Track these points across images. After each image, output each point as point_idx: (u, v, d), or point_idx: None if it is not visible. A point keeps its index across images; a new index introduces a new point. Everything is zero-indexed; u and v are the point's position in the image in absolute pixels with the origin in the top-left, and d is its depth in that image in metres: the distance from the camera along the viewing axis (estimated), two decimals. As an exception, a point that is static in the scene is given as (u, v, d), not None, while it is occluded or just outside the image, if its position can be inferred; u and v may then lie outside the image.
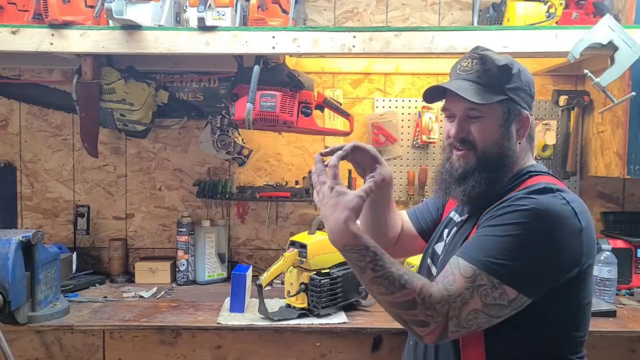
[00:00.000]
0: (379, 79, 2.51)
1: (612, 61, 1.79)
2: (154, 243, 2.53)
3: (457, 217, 1.34)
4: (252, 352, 1.81)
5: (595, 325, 1.73)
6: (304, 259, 1.89)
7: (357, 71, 2.48)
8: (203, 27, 1.85)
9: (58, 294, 1.95)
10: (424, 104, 2.44)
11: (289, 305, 1.96)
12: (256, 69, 1.97)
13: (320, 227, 1.98)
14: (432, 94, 1.30)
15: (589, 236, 1.13)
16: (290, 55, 2.11)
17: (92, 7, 1.92)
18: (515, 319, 1.11)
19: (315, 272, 1.91)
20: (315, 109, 2.16)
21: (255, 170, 2.52)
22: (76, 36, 1.86)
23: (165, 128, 2.45)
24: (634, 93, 1.88)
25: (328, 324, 1.82)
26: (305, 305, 1.90)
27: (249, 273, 2.02)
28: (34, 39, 1.86)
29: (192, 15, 1.90)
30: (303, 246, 1.90)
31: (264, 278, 1.88)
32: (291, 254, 1.91)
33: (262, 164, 2.52)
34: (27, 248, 1.78)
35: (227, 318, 1.87)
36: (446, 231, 1.35)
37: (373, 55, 1.97)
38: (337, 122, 2.39)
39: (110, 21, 1.86)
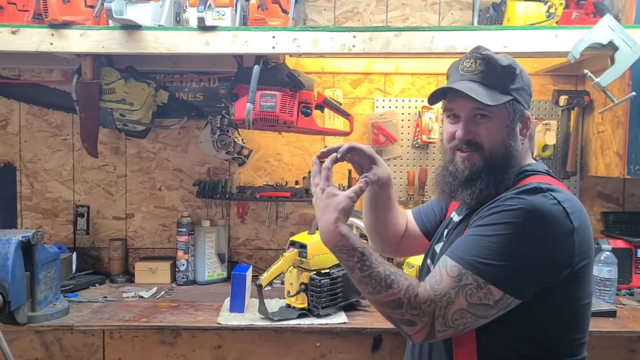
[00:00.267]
0: (379, 79, 2.51)
1: (612, 61, 1.79)
2: (154, 243, 2.53)
3: (456, 218, 1.34)
4: (252, 352, 1.81)
5: (595, 325, 1.73)
6: (304, 259, 1.89)
7: (357, 71, 2.48)
8: (203, 27, 1.85)
9: (58, 294, 1.95)
10: (424, 104, 2.45)
11: (289, 305, 1.96)
12: (256, 69, 1.97)
13: (320, 227, 1.98)
14: (434, 95, 1.29)
15: (582, 236, 1.11)
16: (290, 55, 2.11)
17: (92, 7, 1.92)
18: (504, 319, 1.10)
19: (315, 272, 1.90)
20: (315, 109, 2.16)
21: (255, 170, 2.52)
22: (76, 36, 1.86)
23: (165, 128, 2.45)
24: (634, 93, 1.88)
25: (328, 324, 1.82)
26: (305, 305, 1.90)
27: (249, 273, 2.02)
28: (34, 39, 1.86)
29: (192, 15, 1.90)
30: (303, 246, 1.90)
31: (264, 278, 1.87)
32: (291, 254, 1.91)
33: (262, 164, 2.52)
34: (27, 248, 1.78)
35: (227, 318, 1.87)
36: (446, 231, 1.35)
37: (373, 55, 1.97)
38: (337, 122, 2.39)
39: (110, 21, 1.86)
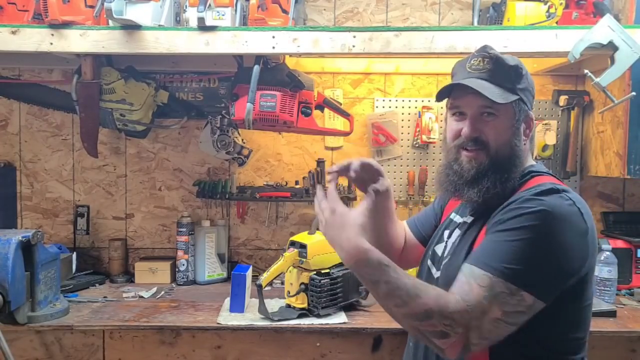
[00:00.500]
0: (379, 79, 2.51)
1: (612, 61, 1.79)
2: (154, 243, 2.53)
3: (457, 219, 1.33)
4: (252, 352, 1.81)
5: (595, 325, 1.72)
6: (304, 259, 1.89)
7: (357, 71, 2.48)
8: (203, 27, 1.85)
9: (58, 294, 1.95)
10: (424, 104, 2.45)
11: (289, 305, 1.95)
12: (256, 69, 1.97)
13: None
14: (441, 92, 1.28)
15: (593, 237, 1.13)
16: (290, 55, 2.11)
17: (92, 7, 1.92)
18: None
19: (315, 272, 1.90)
20: (315, 109, 2.16)
21: (255, 170, 2.52)
22: (76, 36, 1.86)
23: (165, 128, 2.45)
24: (634, 93, 1.88)
25: (328, 324, 1.82)
26: (305, 305, 1.90)
27: (249, 273, 2.01)
28: (33, 39, 1.86)
29: (192, 15, 1.90)
30: (303, 246, 1.90)
31: (264, 278, 1.87)
32: (291, 254, 1.91)
33: (262, 164, 2.52)
34: (27, 248, 1.78)
35: (227, 318, 1.87)
36: (447, 232, 1.34)
37: (373, 55, 1.97)
38: (337, 122, 2.39)
39: (110, 21, 1.85)
